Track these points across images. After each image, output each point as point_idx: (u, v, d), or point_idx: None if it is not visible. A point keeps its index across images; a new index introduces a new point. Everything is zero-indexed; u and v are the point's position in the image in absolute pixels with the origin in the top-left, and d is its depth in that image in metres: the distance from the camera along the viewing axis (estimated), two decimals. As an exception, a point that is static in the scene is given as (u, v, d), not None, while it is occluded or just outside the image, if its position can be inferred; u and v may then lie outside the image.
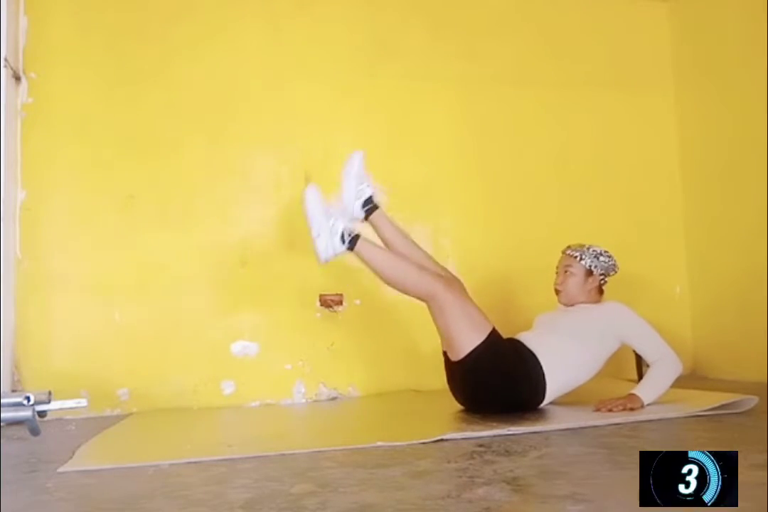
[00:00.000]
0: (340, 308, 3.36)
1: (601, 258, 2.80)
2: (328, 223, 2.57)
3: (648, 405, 2.49)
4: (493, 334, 2.56)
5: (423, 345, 3.26)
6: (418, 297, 2.62)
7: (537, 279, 3.59)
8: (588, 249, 2.82)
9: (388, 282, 2.66)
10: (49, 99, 3.15)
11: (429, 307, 2.60)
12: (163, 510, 1.43)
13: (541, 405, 2.60)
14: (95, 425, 2.64)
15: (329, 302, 3.33)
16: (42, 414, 2.44)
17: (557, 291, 2.84)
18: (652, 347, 2.62)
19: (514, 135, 3.74)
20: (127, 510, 1.45)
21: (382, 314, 3.39)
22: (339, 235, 2.56)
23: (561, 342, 2.64)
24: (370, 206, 2.80)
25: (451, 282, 2.64)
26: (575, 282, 2.79)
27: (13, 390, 2.89)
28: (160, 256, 3.19)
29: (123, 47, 3.26)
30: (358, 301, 3.38)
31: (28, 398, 2.34)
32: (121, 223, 3.17)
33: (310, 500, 1.46)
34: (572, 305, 2.81)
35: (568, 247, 2.87)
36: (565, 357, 2.60)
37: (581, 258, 2.79)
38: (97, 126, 3.20)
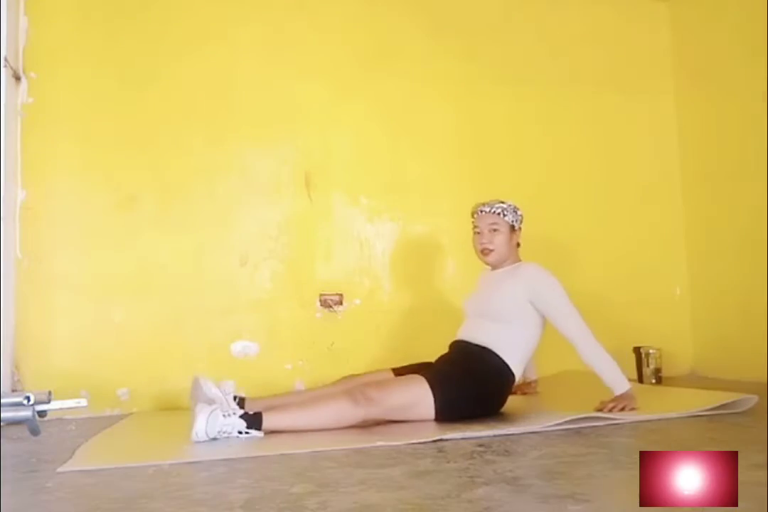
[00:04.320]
0: (340, 308, 3.36)
1: (518, 212, 2.76)
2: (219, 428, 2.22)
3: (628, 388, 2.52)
4: (430, 380, 2.44)
5: (422, 345, 3.26)
6: (359, 422, 2.38)
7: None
8: (506, 204, 2.75)
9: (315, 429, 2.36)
10: (49, 99, 3.14)
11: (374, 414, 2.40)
12: (163, 510, 1.43)
13: (516, 378, 2.61)
14: (95, 425, 2.64)
15: (329, 302, 3.33)
16: (42, 414, 2.43)
17: (487, 251, 2.74)
18: (570, 324, 2.56)
19: (514, 134, 3.75)
20: (127, 510, 1.45)
21: (382, 314, 3.40)
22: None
23: (497, 327, 2.61)
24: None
25: (362, 385, 2.43)
26: (503, 240, 2.72)
27: (13, 390, 2.88)
28: (160, 255, 3.19)
29: (123, 47, 3.25)
30: (358, 301, 3.39)
31: (28, 398, 2.34)
32: (121, 223, 3.17)
33: (310, 500, 1.46)
34: (499, 267, 2.77)
35: (483, 204, 2.77)
36: (508, 337, 2.59)
37: (504, 215, 2.72)
38: (97, 126, 3.20)
